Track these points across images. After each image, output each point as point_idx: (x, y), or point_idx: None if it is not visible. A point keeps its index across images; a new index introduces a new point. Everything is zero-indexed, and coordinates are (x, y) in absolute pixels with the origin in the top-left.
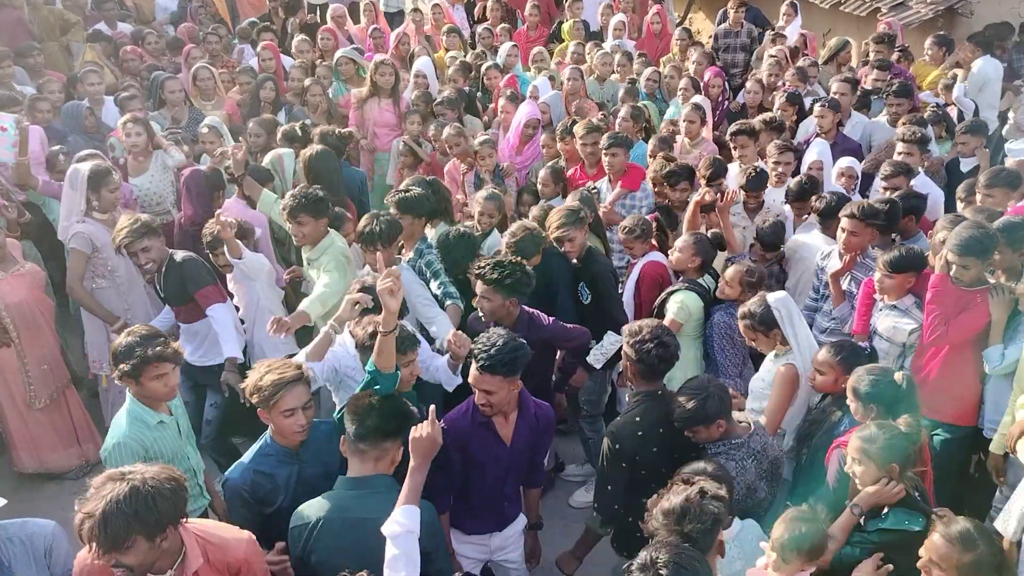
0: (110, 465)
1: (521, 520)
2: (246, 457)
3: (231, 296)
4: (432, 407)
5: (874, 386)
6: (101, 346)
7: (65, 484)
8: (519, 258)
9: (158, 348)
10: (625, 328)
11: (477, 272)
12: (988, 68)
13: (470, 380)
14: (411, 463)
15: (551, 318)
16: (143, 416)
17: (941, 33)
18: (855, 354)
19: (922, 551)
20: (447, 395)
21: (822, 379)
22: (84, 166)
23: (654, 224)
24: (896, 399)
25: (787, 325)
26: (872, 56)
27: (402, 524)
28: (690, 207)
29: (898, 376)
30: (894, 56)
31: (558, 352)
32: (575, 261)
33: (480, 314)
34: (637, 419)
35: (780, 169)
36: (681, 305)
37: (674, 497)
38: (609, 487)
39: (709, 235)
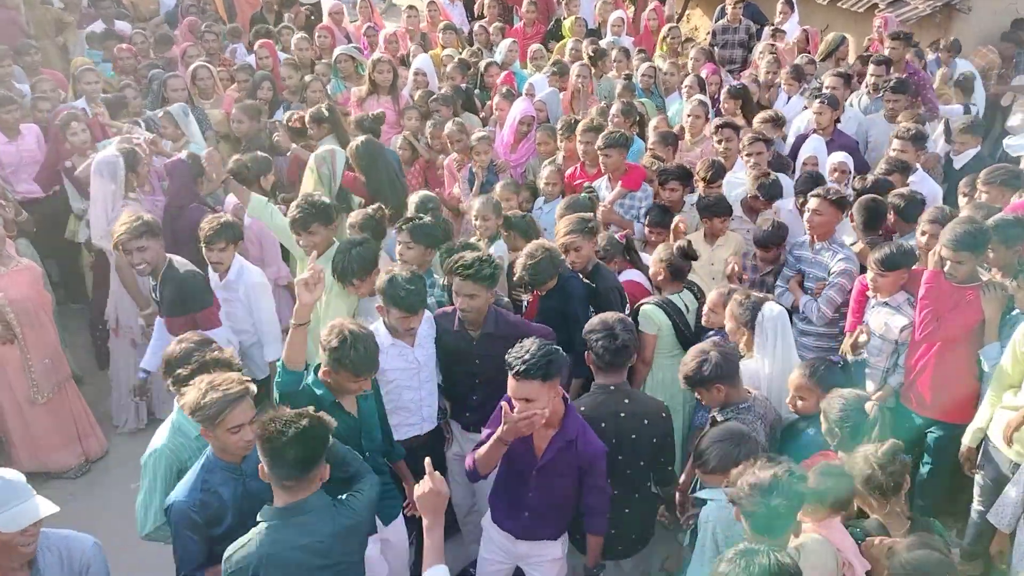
0: (146, 469)
1: (557, 547)
2: (188, 478)
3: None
4: (428, 459)
5: (843, 411)
6: (127, 311)
7: (63, 483)
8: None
9: (215, 354)
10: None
11: (456, 269)
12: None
13: (509, 391)
14: (424, 523)
15: (518, 316)
16: (185, 428)
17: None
18: (830, 372)
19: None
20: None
21: (803, 404)
22: (113, 155)
23: (624, 243)
24: (862, 427)
25: (766, 339)
26: (871, 79)
27: None
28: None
29: (868, 406)
30: (908, 55)
31: None
32: (584, 279)
33: (461, 312)
34: (582, 408)
35: (753, 160)
36: (645, 317)
37: (762, 472)
38: None
39: (676, 248)
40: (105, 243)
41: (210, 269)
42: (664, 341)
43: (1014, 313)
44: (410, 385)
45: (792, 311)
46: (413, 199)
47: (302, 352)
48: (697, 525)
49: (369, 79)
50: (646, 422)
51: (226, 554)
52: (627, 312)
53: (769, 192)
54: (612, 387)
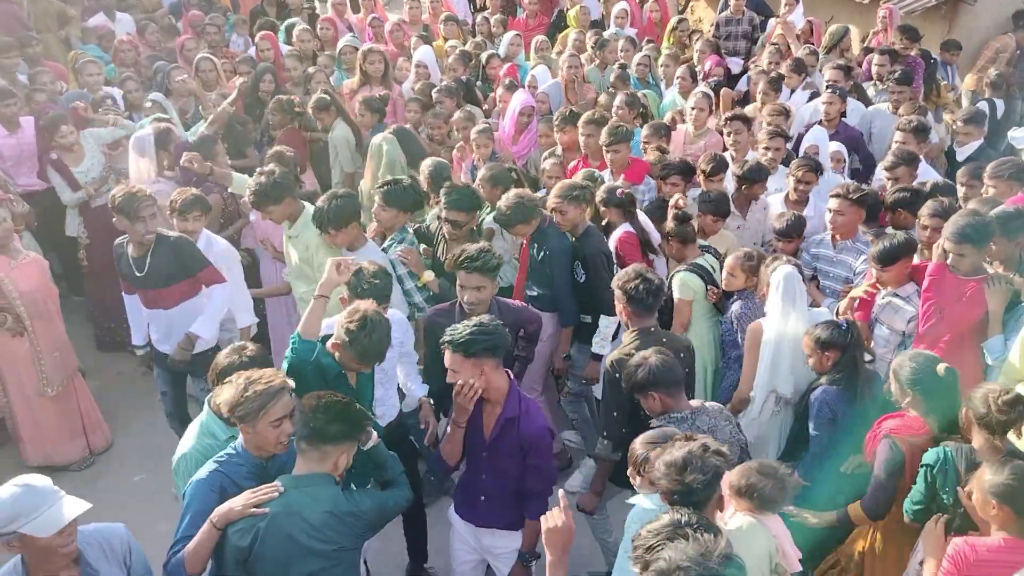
0: (177, 476)
1: (514, 538)
2: (214, 461)
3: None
4: (561, 491)
5: (915, 372)
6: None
7: (68, 476)
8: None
9: (251, 357)
10: (615, 278)
11: (462, 263)
12: None
13: None
14: (549, 559)
15: (518, 302)
16: (214, 430)
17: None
18: (829, 332)
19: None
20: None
21: (812, 361)
22: (146, 132)
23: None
24: (935, 388)
25: (776, 294)
26: (875, 69)
27: None
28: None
29: (940, 368)
30: (914, 51)
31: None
32: (573, 239)
33: (467, 305)
34: (634, 351)
35: (771, 155)
36: (682, 284)
37: (676, 450)
38: (615, 413)
39: (671, 216)
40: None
41: None
42: (700, 305)
43: (1020, 306)
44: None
45: None
46: (427, 165)
47: (319, 324)
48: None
49: (360, 70)
50: (682, 355)
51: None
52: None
53: (753, 175)
54: (652, 328)
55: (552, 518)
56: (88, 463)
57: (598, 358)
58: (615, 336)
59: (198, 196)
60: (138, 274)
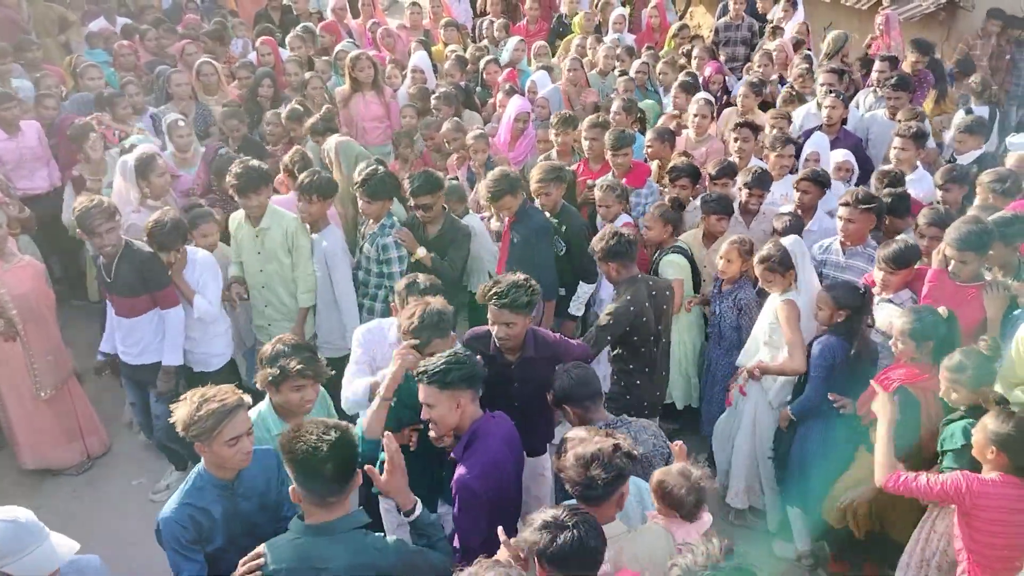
0: None
1: None
2: (177, 494)
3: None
4: (500, 529)
5: (922, 323)
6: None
7: (65, 480)
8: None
9: (299, 366)
10: (593, 242)
11: (503, 302)
12: None
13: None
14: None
15: (556, 335)
16: (268, 423)
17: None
18: (845, 290)
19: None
20: None
21: (821, 315)
22: (130, 156)
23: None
24: (943, 332)
25: (800, 266)
26: (875, 75)
27: None
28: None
29: (942, 310)
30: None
31: None
32: (550, 216)
33: (498, 340)
34: (628, 298)
35: (784, 162)
36: (672, 265)
37: (590, 445)
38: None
39: (668, 201)
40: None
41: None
42: (685, 285)
43: (1016, 312)
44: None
45: None
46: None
47: (381, 425)
48: None
49: (350, 77)
50: (668, 293)
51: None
52: None
53: (758, 182)
54: (638, 276)
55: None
56: (86, 467)
57: (573, 319)
58: (590, 303)
59: (173, 228)
60: (108, 280)
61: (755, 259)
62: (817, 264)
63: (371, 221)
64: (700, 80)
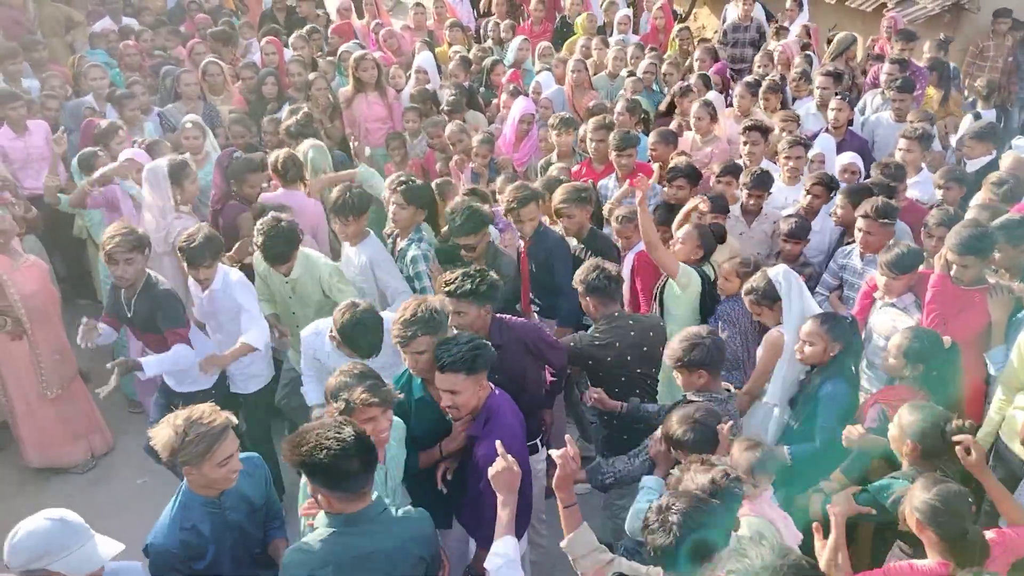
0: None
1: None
2: (165, 517)
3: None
4: (498, 442)
5: (920, 345)
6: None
7: (70, 478)
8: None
9: (364, 395)
10: (575, 274)
11: (447, 289)
12: None
13: (436, 382)
14: (498, 498)
15: (519, 319)
16: None
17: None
18: (840, 323)
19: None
20: None
21: (811, 350)
22: (161, 163)
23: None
24: (938, 360)
25: (785, 298)
26: (884, 78)
27: (503, 555)
28: (683, 211)
29: (947, 340)
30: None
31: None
32: (576, 243)
33: (453, 327)
34: (595, 335)
35: (792, 163)
36: (683, 270)
37: (700, 476)
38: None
39: (711, 227)
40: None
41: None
42: (691, 303)
43: (1020, 315)
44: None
45: None
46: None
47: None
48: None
49: (353, 77)
50: (651, 334)
51: (284, 557)
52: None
53: (758, 183)
54: (616, 313)
55: (495, 466)
56: (90, 466)
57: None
58: None
59: (205, 242)
60: (127, 314)
61: (743, 288)
62: (838, 268)
63: (399, 233)
64: (711, 82)
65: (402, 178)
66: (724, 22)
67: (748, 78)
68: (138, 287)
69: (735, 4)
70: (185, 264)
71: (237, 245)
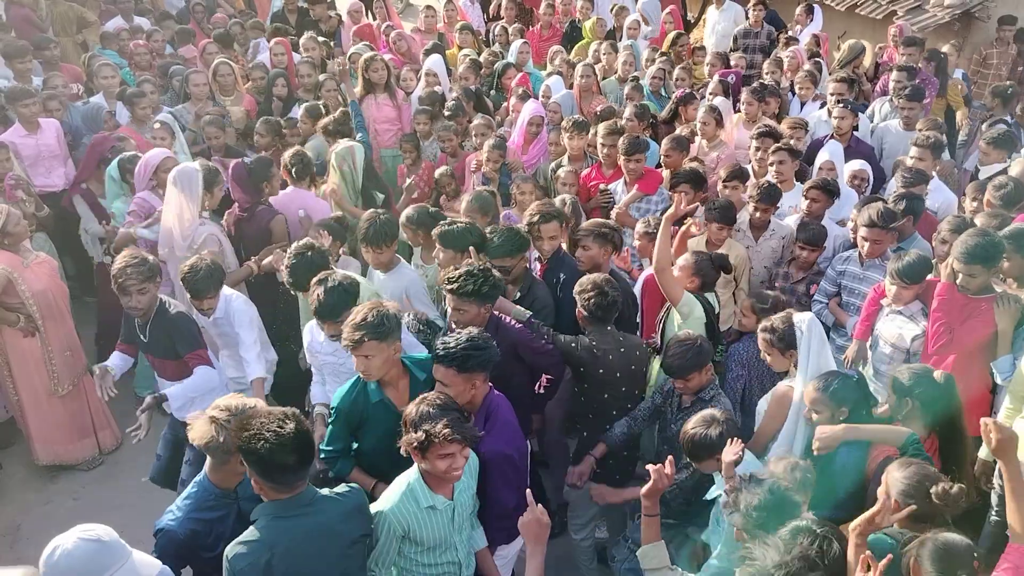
0: (377, 530)
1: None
2: (180, 504)
3: None
4: (528, 491)
5: (913, 381)
6: None
7: (77, 475)
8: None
9: (446, 430)
10: (576, 283)
11: (450, 288)
12: None
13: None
14: (528, 548)
15: (519, 324)
16: (417, 495)
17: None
18: (844, 385)
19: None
20: None
21: (819, 418)
22: (193, 167)
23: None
24: (935, 397)
25: (804, 349)
26: (893, 86)
27: None
28: (678, 237)
29: (938, 375)
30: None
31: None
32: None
33: (455, 325)
34: (594, 342)
35: (775, 168)
36: (685, 299)
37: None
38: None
39: (713, 257)
40: (168, 253)
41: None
42: (696, 331)
43: None
44: (336, 379)
45: (828, 329)
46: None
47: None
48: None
49: (362, 78)
50: (638, 353)
51: (226, 554)
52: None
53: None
54: (608, 328)
55: (525, 516)
56: (97, 463)
57: None
58: None
59: (208, 274)
60: (143, 339)
61: (760, 324)
62: (836, 275)
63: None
64: (728, 88)
65: (447, 220)
66: (713, 28)
67: (755, 84)
68: (151, 314)
69: (715, 7)
70: (188, 295)
71: (271, 255)
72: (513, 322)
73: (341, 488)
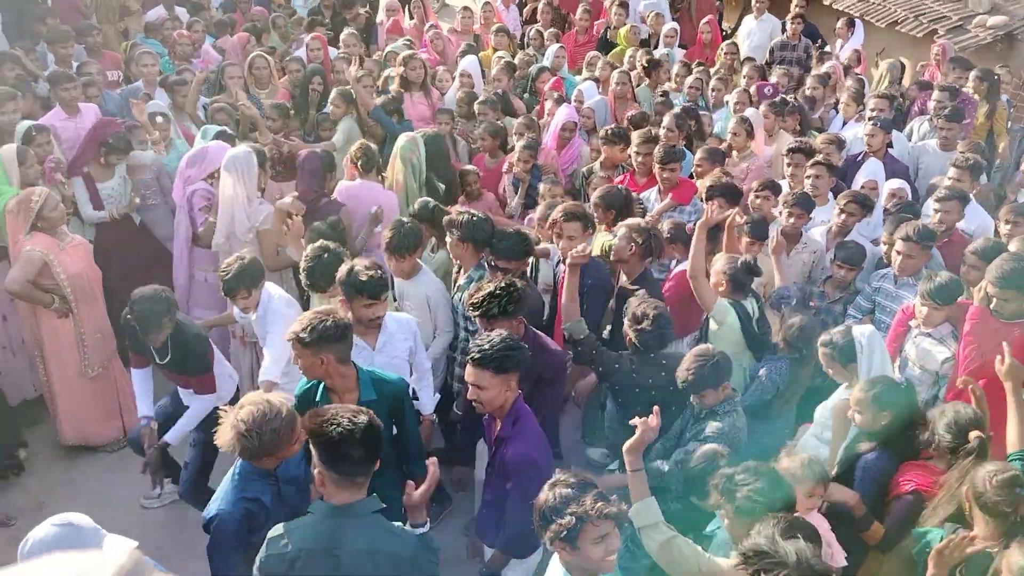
0: None
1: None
2: (227, 488)
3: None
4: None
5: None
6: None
7: (100, 456)
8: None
9: (600, 503)
10: (628, 311)
11: (477, 313)
12: None
13: (466, 376)
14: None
15: (558, 349)
16: None
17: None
18: (890, 390)
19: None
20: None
21: (860, 419)
22: (244, 150)
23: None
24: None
25: (864, 362)
26: (933, 105)
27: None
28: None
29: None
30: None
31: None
32: (628, 283)
33: None
34: (634, 367)
35: (811, 181)
36: (717, 306)
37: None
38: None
39: (741, 263)
40: (225, 245)
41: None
42: (731, 337)
43: None
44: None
45: None
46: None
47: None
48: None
49: (400, 76)
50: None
51: (270, 534)
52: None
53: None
54: (653, 355)
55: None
56: (121, 444)
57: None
58: None
59: (239, 273)
60: (159, 360)
61: (818, 340)
62: (872, 291)
63: (462, 265)
64: (753, 99)
65: (464, 212)
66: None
67: (776, 98)
68: (165, 338)
69: (753, 17)
70: (222, 292)
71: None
72: (552, 344)
73: (404, 528)
